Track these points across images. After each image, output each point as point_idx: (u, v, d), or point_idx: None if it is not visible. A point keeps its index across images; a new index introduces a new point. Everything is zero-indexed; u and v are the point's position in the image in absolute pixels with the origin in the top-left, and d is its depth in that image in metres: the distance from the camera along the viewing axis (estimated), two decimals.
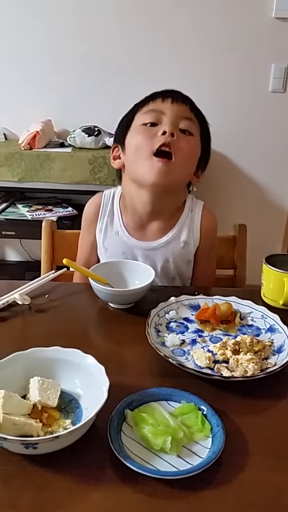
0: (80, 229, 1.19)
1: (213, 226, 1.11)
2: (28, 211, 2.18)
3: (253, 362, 0.70)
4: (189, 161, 1.02)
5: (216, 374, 0.69)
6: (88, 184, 2.04)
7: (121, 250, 1.07)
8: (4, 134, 2.32)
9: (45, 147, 2.13)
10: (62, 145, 2.17)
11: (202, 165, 1.09)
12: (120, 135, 1.07)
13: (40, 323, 0.88)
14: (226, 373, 0.69)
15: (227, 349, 0.75)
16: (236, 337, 0.78)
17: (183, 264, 1.08)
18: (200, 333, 0.82)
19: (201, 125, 1.05)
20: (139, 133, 1.00)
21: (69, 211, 2.19)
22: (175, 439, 0.57)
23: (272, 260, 0.93)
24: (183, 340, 0.79)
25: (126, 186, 1.07)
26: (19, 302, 0.91)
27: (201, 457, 0.56)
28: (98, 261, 1.11)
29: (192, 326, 0.84)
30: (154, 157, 0.96)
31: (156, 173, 0.96)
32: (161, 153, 0.96)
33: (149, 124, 1.00)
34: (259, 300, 0.93)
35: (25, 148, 2.07)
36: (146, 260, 1.05)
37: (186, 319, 0.86)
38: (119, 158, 1.08)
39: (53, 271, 1.05)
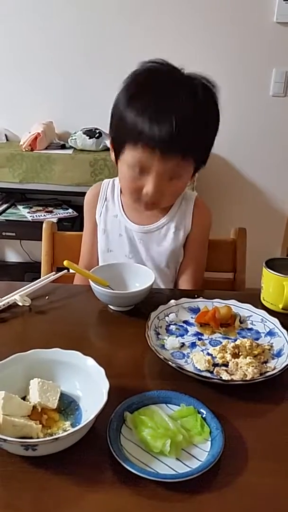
0: (80, 230, 1.20)
1: (205, 217, 1.13)
2: (28, 212, 2.18)
3: (252, 366, 0.70)
4: (177, 196, 1.05)
5: (216, 378, 0.70)
6: (88, 186, 2.00)
7: (118, 232, 1.11)
8: (6, 135, 2.32)
9: (46, 148, 2.13)
10: (63, 146, 2.18)
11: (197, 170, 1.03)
12: (114, 146, 0.99)
13: (40, 324, 0.88)
14: (225, 376, 0.69)
15: (226, 352, 0.75)
16: (235, 340, 0.79)
17: (174, 251, 1.10)
18: (199, 336, 0.82)
19: (196, 154, 0.95)
20: (127, 178, 0.97)
21: (70, 213, 2.20)
22: (175, 442, 0.57)
23: (272, 264, 0.94)
24: (183, 343, 0.79)
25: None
26: (20, 304, 0.91)
27: (200, 460, 0.56)
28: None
29: (192, 329, 0.84)
30: (141, 201, 0.99)
31: (142, 208, 1.02)
32: None
33: (137, 168, 0.93)
34: (258, 304, 0.93)
35: (26, 149, 2.07)
36: (141, 242, 1.10)
37: (186, 322, 0.86)
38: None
39: (54, 272, 1.05)
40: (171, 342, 0.78)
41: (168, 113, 0.86)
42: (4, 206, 2.25)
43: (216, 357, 0.74)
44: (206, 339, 0.81)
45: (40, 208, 2.25)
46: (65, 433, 0.54)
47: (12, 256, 2.67)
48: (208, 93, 0.96)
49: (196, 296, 0.93)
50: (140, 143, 0.89)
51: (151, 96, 0.89)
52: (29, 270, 2.44)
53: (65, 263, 0.93)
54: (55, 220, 2.05)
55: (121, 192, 1.13)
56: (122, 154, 0.96)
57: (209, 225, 1.15)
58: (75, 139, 2.14)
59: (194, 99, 0.90)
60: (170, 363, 0.71)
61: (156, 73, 0.94)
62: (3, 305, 0.90)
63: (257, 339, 0.81)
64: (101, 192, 1.15)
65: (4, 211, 2.21)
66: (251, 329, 0.85)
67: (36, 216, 2.15)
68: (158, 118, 0.86)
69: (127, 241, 1.11)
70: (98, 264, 1.12)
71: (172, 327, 0.84)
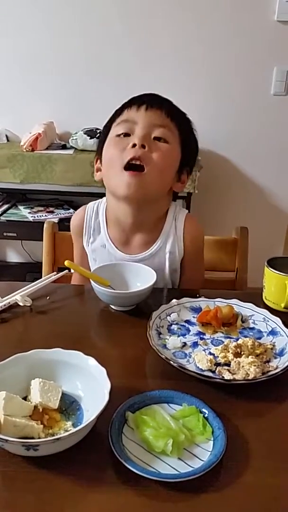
0: None
1: (196, 235, 1.07)
2: (29, 213, 2.18)
3: (254, 365, 0.70)
4: (163, 170, 0.97)
5: (218, 377, 0.69)
6: (89, 186, 2.04)
7: (109, 262, 1.05)
8: (6, 136, 2.33)
9: (47, 149, 2.13)
10: (64, 147, 2.18)
11: (187, 168, 1.06)
12: (99, 146, 1.05)
13: (42, 324, 0.88)
14: (227, 376, 0.69)
15: (228, 351, 0.74)
16: (237, 340, 0.78)
17: (170, 273, 1.06)
18: (201, 336, 0.82)
19: (181, 129, 1.00)
20: (111, 146, 0.98)
21: (71, 213, 2.19)
22: (176, 441, 0.57)
23: (274, 263, 0.93)
24: (185, 343, 0.79)
25: (108, 198, 1.06)
26: (21, 304, 0.91)
27: (202, 460, 0.56)
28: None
29: (194, 329, 0.84)
30: (124, 171, 0.94)
31: (127, 187, 0.94)
32: (132, 166, 0.94)
33: (122, 134, 0.97)
34: (260, 303, 0.93)
35: (27, 150, 2.07)
36: None
37: (188, 321, 0.86)
38: (101, 170, 1.05)
39: (55, 272, 1.05)
40: (173, 341, 0.78)
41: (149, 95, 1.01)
42: (5, 206, 2.25)
43: (218, 356, 0.74)
44: (208, 339, 0.81)
45: (41, 208, 2.25)
46: (67, 433, 0.54)
47: (14, 257, 2.67)
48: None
49: (197, 295, 0.92)
50: (126, 107, 1.00)
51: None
52: (31, 271, 2.44)
53: (66, 263, 0.93)
54: (56, 220, 2.05)
55: (106, 222, 1.07)
56: (109, 135, 1.00)
57: (202, 242, 1.09)
58: (76, 139, 2.14)
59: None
60: (171, 362, 0.71)
61: None
62: (4, 305, 0.89)
63: (259, 338, 0.81)
64: (85, 220, 1.09)
65: (5, 211, 2.21)
66: (253, 328, 0.84)
67: (37, 216, 2.15)
68: (139, 96, 1.01)
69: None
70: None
71: (174, 327, 0.84)
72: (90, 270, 1.07)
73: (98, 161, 1.07)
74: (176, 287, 1.10)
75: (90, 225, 1.09)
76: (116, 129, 0.99)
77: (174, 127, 0.99)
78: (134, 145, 0.94)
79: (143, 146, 0.94)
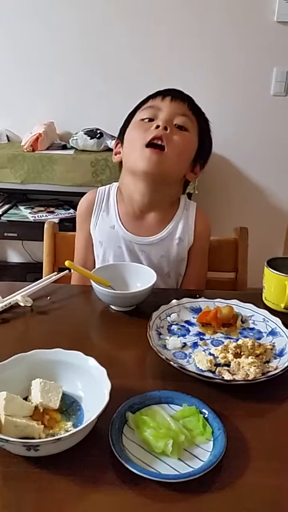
0: None
1: (206, 227, 1.13)
2: (30, 213, 2.18)
3: (254, 366, 0.70)
4: (182, 154, 1.03)
5: (218, 377, 0.69)
6: (90, 186, 2.04)
7: (117, 244, 1.08)
8: (7, 136, 2.33)
9: (47, 149, 2.13)
10: (64, 147, 2.18)
11: (200, 162, 1.11)
12: (121, 131, 1.11)
13: (42, 325, 0.88)
14: (227, 376, 0.69)
15: (228, 352, 0.75)
16: (237, 340, 0.79)
17: (177, 260, 1.09)
18: (201, 336, 0.82)
19: (200, 123, 1.07)
20: (135, 128, 1.04)
21: (71, 213, 2.19)
22: (177, 442, 0.57)
23: (274, 264, 0.93)
24: (185, 343, 0.79)
25: (123, 179, 1.10)
26: (21, 304, 0.91)
27: (202, 461, 0.56)
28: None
29: (194, 329, 0.84)
30: (146, 148, 0.99)
31: (147, 161, 0.99)
32: (154, 145, 0.99)
33: (147, 119, 1.03)
34: (260, 304, 0.93)
35: (28, 150, 2.07)
36: (142, 255, 1.07)
37: (188, 322, 0.86)
38: (119, 153, 1.11)
39: (55, 273, 1.05)
40: (173, 342, 0.78)
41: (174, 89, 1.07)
42: (6, 206, 2.25)
43: (218, 357, 0.74)
44: (208, 339, 0.81)
45: (42, 208, 2.25)
46: (67, 434, 0.54)
47: (14, 257, 2.67)
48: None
49: (197, 296, 0.93)
50: (152, 97, 1.06)
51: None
52: (31, 271, 2.44)
53: (67, 263, 0.93)
54: (56, 220, 2.04)
55: (117, 201, 1.11)
56: (133, 120, 1.06)
57: (210, 235, 1.15)
58: (76, 139, 2.14)
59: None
60: (172, 363, 0.71)
61: None
62: (5, 305, 0.90)
63: (259, 338, 0.81)
64: (96, 201, 1.12)
65: (5, 211, 2.21)
66: (253, 328, 0.85)
67: (37, 216, 2.15)
68: (166, 89, 1.06)
69: (127, 253, 1.07)
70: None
71: (174, 327, 0.84)
72: (94, 257, 1.12)
73: (119, 145, 1.12)
74: (181, 276, 1.12)
75: (101, 206, 1.12)
76: (141, 114, 1.05)
77: (194, 119, 1.05)
78: (157, 126, 1.00)
79: (165, 128, 1.00)
